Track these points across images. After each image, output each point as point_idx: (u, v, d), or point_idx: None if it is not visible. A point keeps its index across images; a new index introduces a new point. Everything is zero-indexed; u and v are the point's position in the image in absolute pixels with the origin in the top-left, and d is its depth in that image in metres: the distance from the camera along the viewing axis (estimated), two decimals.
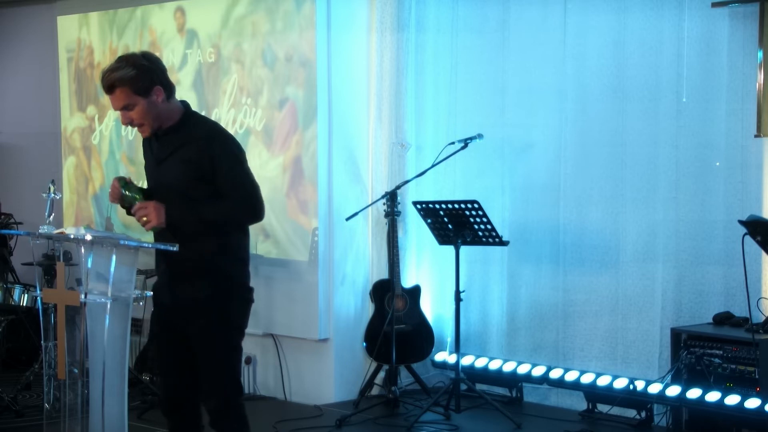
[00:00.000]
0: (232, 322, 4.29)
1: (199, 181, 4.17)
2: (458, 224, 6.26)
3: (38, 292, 4.45)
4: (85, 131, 8.14)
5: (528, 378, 6.59)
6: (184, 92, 7.39)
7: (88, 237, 4.02)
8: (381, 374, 6.84)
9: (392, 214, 6.69)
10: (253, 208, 4.25)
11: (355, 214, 6.62)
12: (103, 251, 4.04)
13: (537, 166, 6.67)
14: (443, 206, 6.28)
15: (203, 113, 7.25)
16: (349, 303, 6.91)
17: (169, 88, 4.24)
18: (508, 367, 6.66)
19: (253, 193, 4.24)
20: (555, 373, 6.45)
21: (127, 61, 4.18)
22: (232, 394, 4.28)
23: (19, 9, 8.91)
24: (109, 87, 4.15)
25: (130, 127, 7.63)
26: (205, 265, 4.19)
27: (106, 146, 7.97)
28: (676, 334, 5.85)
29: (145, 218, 4.12)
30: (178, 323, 4.25)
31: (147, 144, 4.40)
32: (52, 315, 4.68)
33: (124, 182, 4.24)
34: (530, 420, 6.31)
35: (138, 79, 4.13)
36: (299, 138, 6.80)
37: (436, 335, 6.92)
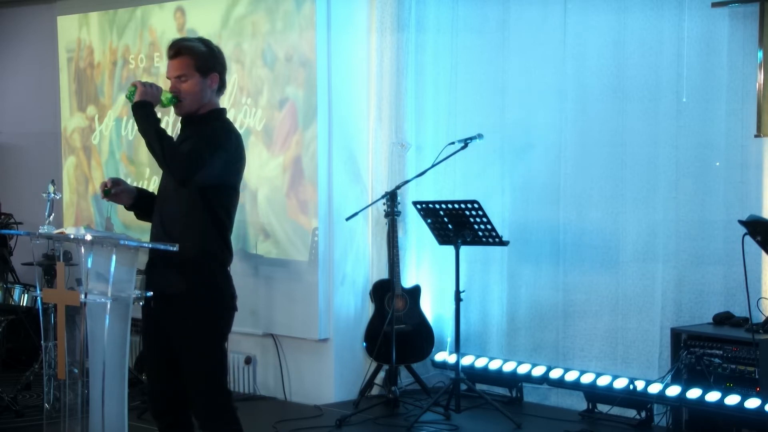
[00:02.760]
0: (216, 326, 4.26)
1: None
2: (458, 224, 6.26)
3: (38, 292, 4.45)
4: (85, 131, 8.14)
5: (528, 378, 6.59)
6: None
7: (88, 237, 4.02)
8: (381, 374, 6.84)
9: (392, 214, 6.69)
10: (177, 167, 4.10)
11: (355, 214, 6.62)
12: (103, 251, 4.04)
13: (537, 166, 6.67)
14: (443, 206, 6.28)
15: None
16: (349, 303, 6.91)
17: (222, 83, 4.34)
18: (508, 367, 6.66)
19: (188, 159, 4.09)
20: (555, 373, 6.45)
21: (201, 40, 4.36)
22: (219, 397, 4.25)
23: (19, 9, 8.91)
24: (176, 52, 4.25)
25: (131, 126, 7.69)
26: (189, 265, 4.17)
27: (106, 146, 7.97)
28: (676, 334, 5.85)
29: (133, 86, 4.18)
30: (163, 324, 4.24)
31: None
32: (52, 315, 4.68)
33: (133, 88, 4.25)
34: (530, 420, 6.31)
35: (204, 57, 4.25)
36: (299, 138, 6.80)
37: (436, 335, 6.92)
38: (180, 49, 4.25)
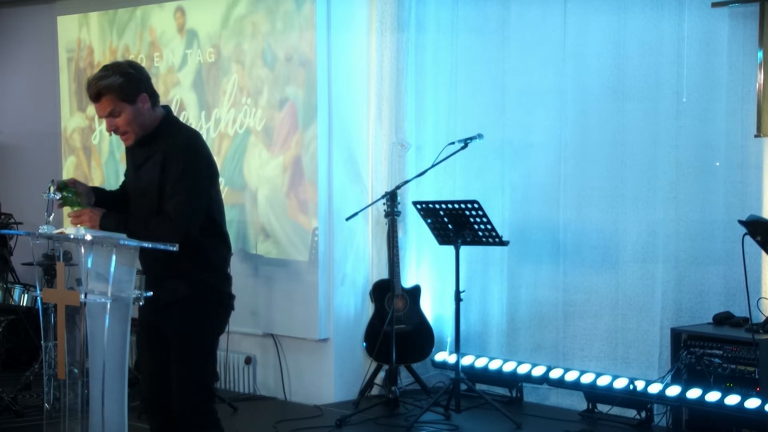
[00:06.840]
0: (207, 327, 4.28)
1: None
2: (458, 224, 6.26)
3: (38, 292, 4.44)
4: (85, 131, 8.15)
5: (528, 378, 6.59)
6: (184, 92, 7.39)
7: (88, 237, 4.02)
8: (381, 374, 6.84)
9: (392, 214, 6.69)
10: (175, 230, 4.12)
11: (355, 214, 6.62)
12: (103, 251, 4.03)
13: (537, 166, 6.67)
14: (443, 206, 6.28)
15: (203, 113, 7.26)
16: (349, 303, 6.91)
17: (154, 97, 4.27)
18: (508, 367, 6.66)
19: (182, 214, 4.14)
20: (555, 373, 6.45)
21: (113, 69, 4.22)
22: (202, 399, 4.27)
23: (19, 9, 8.91)
24: (96, 95, 4.18)
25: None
26: (178, 266, 4.18)
27: (106, 146, 7.97)
28: (676, 334, 5.85)
29: (80, 225, 4.18)
30: (157, 323, 4.26)
31: (129, 148, 4.40)
32: (52, 315, 4.66)
33: (63, 184, 4.24)
34: (530, 420, 6.31)
35: (125, 86, 4.17)
36: (299, 138, 6.80)
37: (436, 335, 6.92)
38: (99, 91, 4.16)
